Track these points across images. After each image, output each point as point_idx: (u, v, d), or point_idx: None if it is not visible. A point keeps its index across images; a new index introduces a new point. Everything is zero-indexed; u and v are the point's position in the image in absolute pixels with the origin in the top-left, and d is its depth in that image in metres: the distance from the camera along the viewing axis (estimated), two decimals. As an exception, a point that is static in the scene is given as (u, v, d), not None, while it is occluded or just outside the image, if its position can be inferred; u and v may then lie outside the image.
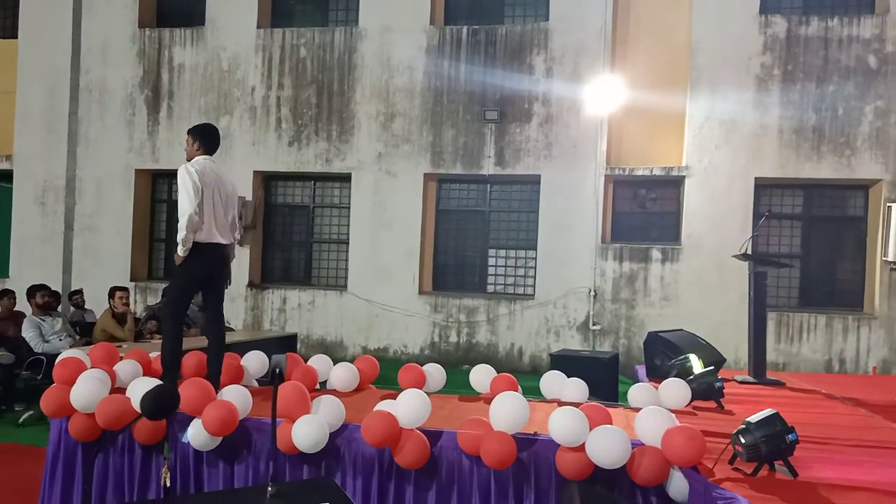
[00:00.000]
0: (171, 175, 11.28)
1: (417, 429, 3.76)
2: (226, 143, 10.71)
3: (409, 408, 3.77)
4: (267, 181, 11.04)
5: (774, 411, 3.42)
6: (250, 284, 10.74)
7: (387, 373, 5.68)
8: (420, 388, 4.39)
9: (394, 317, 10.22)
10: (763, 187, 9.41)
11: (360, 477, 3.81)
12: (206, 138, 4.85)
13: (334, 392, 4.74)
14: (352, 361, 5.26)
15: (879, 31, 9.01)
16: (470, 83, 10.11)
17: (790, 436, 3.32)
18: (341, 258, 10.80)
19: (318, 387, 5.01)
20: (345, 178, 10.65)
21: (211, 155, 4.84)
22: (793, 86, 9.19)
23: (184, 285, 4.61)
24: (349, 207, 10.60)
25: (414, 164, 10.24)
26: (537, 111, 9.89)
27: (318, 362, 5.13)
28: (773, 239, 9.54)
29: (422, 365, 5.20)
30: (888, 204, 8.84)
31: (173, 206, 11.33)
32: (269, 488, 1.94)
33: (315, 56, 10.59)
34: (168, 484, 3.96)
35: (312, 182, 10.97)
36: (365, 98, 10.41)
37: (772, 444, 3.27)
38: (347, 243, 10.60)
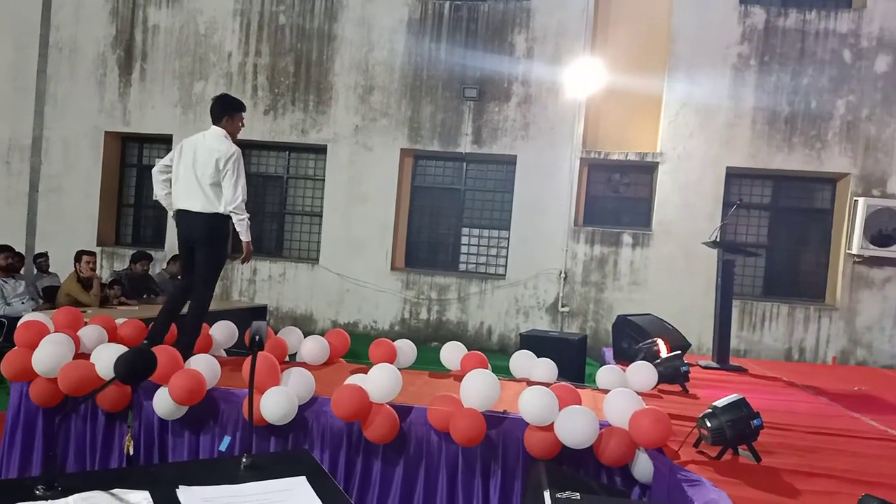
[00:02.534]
0: (143, 139, 11.11)
1: (387, 404, 3.77)
2: (200, 109, 10.54)
3: (379, 382, 3.77)
4: (241, 150, 10.83)
5: (741, 396, 3.47)
6: (220, 254, 10.60)
7: (356, 347, 5.68)
8: (391, 364, 4.39)
9: (365, 292, 10.19)
10: (734, 176, 9.52)
11: (327, 450, 3.81)
12: None
13: (304, 365, 4.72)
14: (322, 335, 5.24)
15: (855, 26, 9.11)
16: (450, 60, 10.02)
17: (755, 421, 3.38)
18: (314, 231, 10.71)
19: (287, 359, 4.99)
20: (320, 150, 10.53)
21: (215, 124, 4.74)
22: (768, 77, 9.27)
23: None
24: (324, 180, 10.49)
25: (391, 138, 10.16)
26: (516, 91, 9.85)
27: (289, 334, 5.11)
28: (741, 228, 9.67)
29: (392, 340, 5.21)
30: (854, 198, 9.00)
31: (144, 170, 11.14)
32: (244, 460, 1.91)
33: (294, 24, 10.41)
34: (131, 452, 3.92)
35: (287, 152, 10.83)
36: (344, 69, 10.27)
37: (737, 429, 3.32)
38: (321, 216, 10.51)
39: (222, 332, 5.02)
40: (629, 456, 3.59)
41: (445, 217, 10.51)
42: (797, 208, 9.70)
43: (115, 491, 1.64)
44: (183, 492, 1.69)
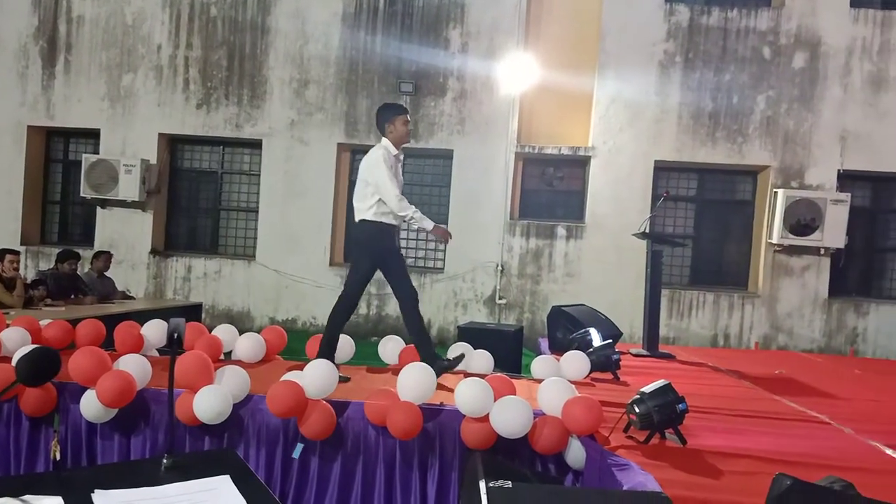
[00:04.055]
0: (69, 133, 10.73)
1: (324, 399, 3.78)
2: (129, 103, 10.25)
3: (315, 378, 3.77)
4: (173, 144, 10.62)
5: (667, 382, 3.60)
6: (153, 251, 10.36)
7: (295, 344, 5.65)
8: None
9: (303, 288, 10.11)
10: (661, 170, 9.81)
11: (263, 448, 3.79)
12: None
13: (239, 363, 4.68)
14: (259, 332, 5.19)
15: (774, 24, 9.49)
16: (386, 54, 10.01)
17: (680, 405, 3.50)
18: (250, 227, 10.56)
19: (222, 357, 4.93)
20: (255, 145, 10.38)
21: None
22: (692, 73, 9.58)
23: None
24: (259, 175, 10.35)
25: (327, 133, 10.09)
26: (452, 86, 9.92)
27: (223, 332, 5.05)
28: (668, 220, 9.98)
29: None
30: (774, 189, 9.39)
31: (70, 166, 10.77)
32: (165, 460, 1.88)
33: (226, 17, 10.21)
34: (58, 457, 3.82)
35: (221, 147, 10.63)
36: (278, 63, 10.14)
37: (663, 414, 3.44)
38: (257, 212, 10.37)
39: (154, 331, 4.93)
40: (562, 443, 3.68)
41: (384, 212, 10.47)
42: (721, 200, 10.07)
43: (27, 497, 1.58)
44: (99, 496, 1.64)
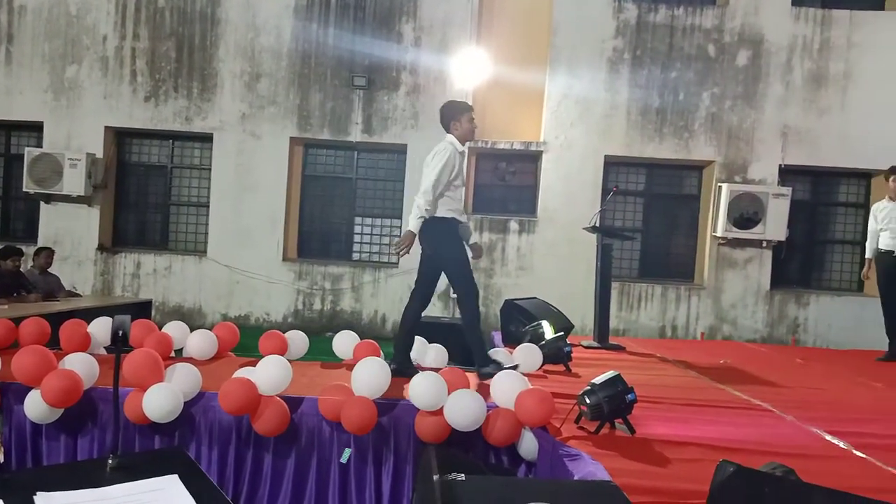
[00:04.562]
0: (11, 126, 10.39)
1: (277, 395, 3.76)
2: (73, 95, 9.99)
3: (268, 374, 3.76)
4: (120, 138, 10.37)
5: (616, 373, 3.67)
6: (100, 248, 10.12)
7: (248, 341, 5.59)
8: (282, 355, 4.37)
9: (256, 283, 10.00)
10: (611, 164, 9.96)
11: (216, 446, 3.77)
12: None
13: (191, 360, 4.63)
14: (210, 329, 5.14)
15: (719, 22, 9.72)
16: (338, 47, 9.94)
17: (629, 396, 3.59)
18: (201, 222, 10.39)
19: (173, 354, 4.87)
20: (206, 139, 10.20)
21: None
22: (640, 70, 9.75)
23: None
24: (210, 169, 10.18)
25: (280, 127, 9.98)
26: (405, 80, 9.91)
27: (174, 329, 4.97)
28: (618, 214, 10.14)
29: (284, 332, 5.17)
30: (719, 184, 9.62)
31: (12, 160, 10.46)
32: (110, 461, 1.85)
33: (174, 7, 10.00)
34: (1, 459, 3.73)
35: (171, 141, 10.43)
36: (229, 56, 9.98)
37: (613, 404, 3.52)
38: (208, 207, 10.20)
39: (101, 329, 4.83)
40: (515, 435, 3.74)
41: (338, 206, 10.45)
42: (668, 194, 10.28)
43: (-38, 502, 1.55)
44: (41, 498, 1.60)
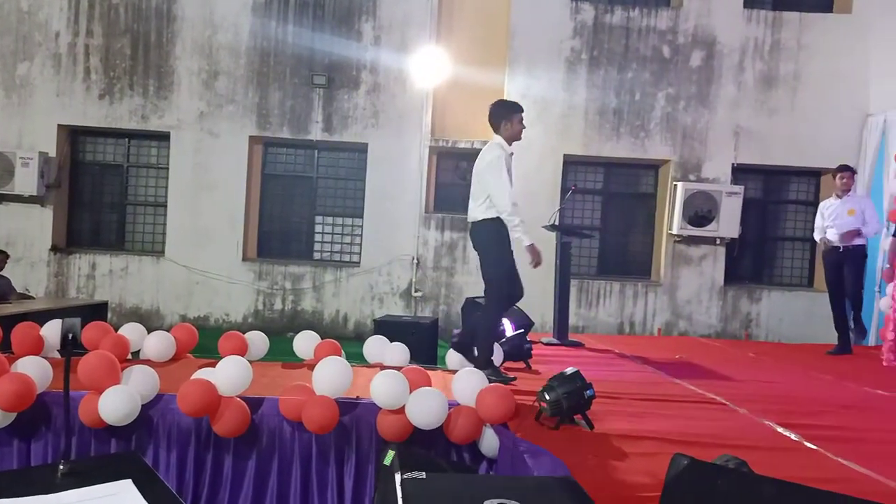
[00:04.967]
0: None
1: (237, 396, 3.74)
2: (25, 93, 9.76)
3: (228, 375, 3.73)
4: (73, 136, 10.14)
5: (575, 370, 3.74)
6: (54, 248, 9.89)
7: (207, 342, 5.53)
8: (242, 356, 4.34)
9: (216, 284, 9.88)
10: (570, 164, 10.07)
11: (175, 449, 3.72)
12: None
13: (148, 362, 4.56)
14: (169, 330, 5.07)
15: (673, 24, 9.89)
16: (298, 46, 9.86)
17: (588, 392, 3.66)
18: (159, 222, 10.21)
19: (129, 357, 4.80)
20: (163, 137, 10.03)
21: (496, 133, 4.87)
22: (598, 70, 9.88)
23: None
24: (167, 168, 10.02)
25: (239, 125, 9.87)
26: (365, 79, 9.88)
27: (130, 331, 4.90)
28: (577, 212, 10.27)
29: (245, 333, 5.14)
30: (674, 182, 9.79)
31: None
32: (61, 466, 1.82)
33: (129, 3, 9.81)
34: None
35: (126, 140, 10.23)
36: (186, 53, 9.83)
37: (572, 400, 3.59)
38: (165, 206, 10.04)
39: (55, 331, 4.73)
40: (476, 433, 3.77)
41: (298, 205, 10.38)
42: (625, 193, 10.43)
43: None
44: None
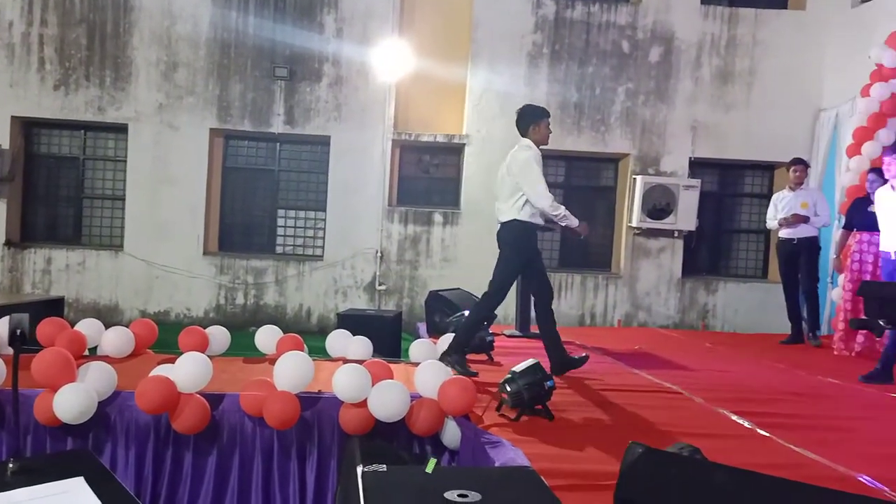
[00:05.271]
0: None
1: (197, 393, 3.71)
2: (-25, 84, 9.47)
3: (188, 371, 3.70)
4: (28, 128, 9.89)
5: (536, 361, 3.80)
6: (7, 243, 9.64)
7: (168, 337, 5.48)
8: (202, 352, 4.31)
9: (176, 278, 9.74)
10: (534, 157, 10.14)
11: (133, 446, 3.68)
12: None
13: (106, 358, 4.50)
14: (127, 326, 5.01)
15: (632, 19, 9.99)
16: (259, 37, 9.74)
17: (548, 383, 3.72)
18: (117, 216, 10.02)
19: (87, 353, 4.73)
20: (120, 129, 9.83)
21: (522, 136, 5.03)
22: (559, 65, 9.94)
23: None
24: (125, 161, 9.82)
25: (199, 117, 9.73)
26: (327, 71, 9.81)
27: (87, 327, 4.82)
28: (539, 205, 10.35)
29: (206, 328, 5.10)
30: (633, 176, 9.91)
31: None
32: (11, 464, 1.79)
33: (84, -7, 9.60)
34: None
35: (83, 132, 10.01)
36: (143, 44, 9.64)
37: (533, 391, 3.64)
38: (123, 200, 9.85)
39: (3, 328, 4.63)
40: (438, 425, 3.81)
41: (260, 199, 10.27)
42: (586, 186, 10.53)
43: None
44: None
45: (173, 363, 3.83)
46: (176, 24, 9.64)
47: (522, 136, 5.06)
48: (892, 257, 5.50)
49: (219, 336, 5.10)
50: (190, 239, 9.75)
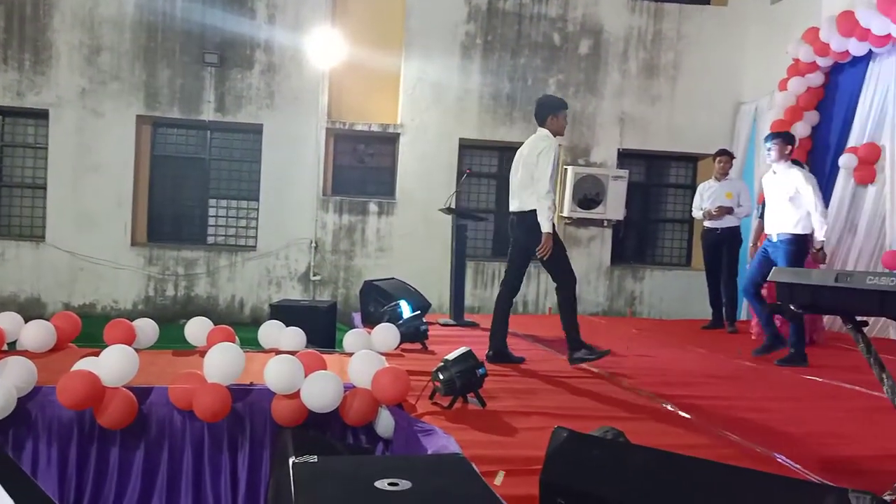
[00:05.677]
0: None
1: (123, 386, 3.64)
2: None
3: (113, 365, 3.61)
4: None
5: (468, 349, 3.86)
6: (-83, 235, 9.18)
7: (93, 330, 5.32)
8: (129, 345, 4.22)
9: (102, 270, 9.44)
10: (465, 147, 10.19)
11: (55, 443, 3.58)
12: None
13: (26, 353, 4.36)
14: (49, 319, 4.85)
15: (563, 11, 10.13)
16: (188, 21, 9.48)
17: (480, 370, 3.79)
18: (38, 205, 9.63)
19: (5, 348, 4.57)
20: (41, 115, 9.43)
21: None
22: (492, 55, 10.01)
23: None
24: (47, 148, 9.44)
25: (125, 104, 9.42)
26: (259, 58, 9.64)
27: (5, 320, 4.65)
28: (472, 195, 10.43)
29: (134, 320, 4.98)
30: (564, 166, 10.05)
31: None
32: None
33: (-1, -27, 9.15)
34: None
35: (1, 117, 9.57)
36: (65, 26, 9.26)
37: (465, 379, 3.71)
38: (45, 188, 9.47)
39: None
40: (372, 414, 3.83)
41: (191, 188, 10.04)
42: (519, 177, 10.69)
43: None
44: None
45: (97, 357, 3.74)
46: (99, 6, 9.30)
47: (540, 125, 5.12)
48: (774, 240, 5.70)
49: (146, 329, 4.99)
50: (116, 229, 9.47)
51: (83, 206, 9.38)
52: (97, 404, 3.51)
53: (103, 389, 3.53)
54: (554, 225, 4.96)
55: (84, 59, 9.33)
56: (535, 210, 4.92)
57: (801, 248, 5.62)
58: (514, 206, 5.18)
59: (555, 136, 5.07)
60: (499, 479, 3.03)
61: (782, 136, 5.80)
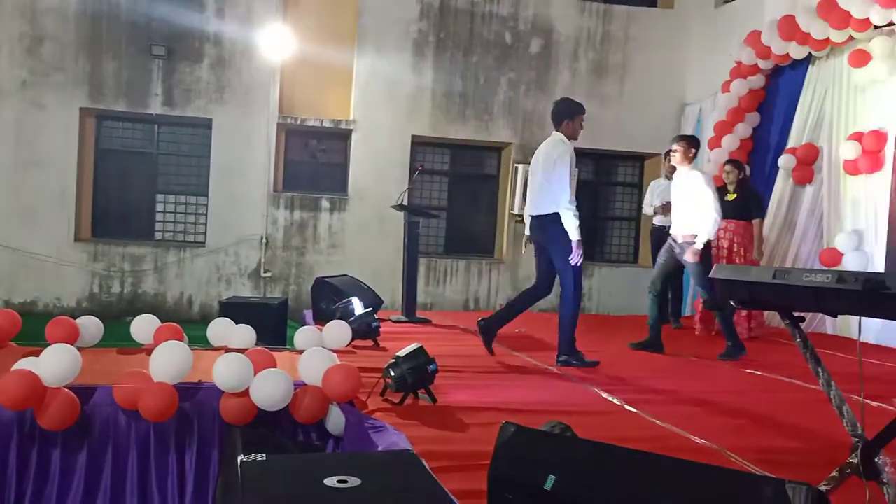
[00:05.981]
0: None
1: (65, 386, 3.56)
2: None
3: (54, 364, 3.52)
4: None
5: (419, 345, 3.88)
6: None
7: (35, 329, 5.17)
8: (71, 343, 4.12)
9: (44, 266, 9.18)
10: (418, 144, 10.22)
11: (-6, 445, 3.49)
12: None
13: (-37, 354, 4.22)
14: (-11, 318, 4.71)
15: (514, 10, 10.23)
16: (134, 12, 9.27)
17: (431, 366, 3.80)
18: (-25, 201, 9.33)
19: (-58, 349, 4.41)
20: (-22, 108, 9.14)
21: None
22: (444, 53, 10.06)
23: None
24: (-17, 142, 9.14)
25: (68, 96, 9.17)
26: (209, 52, 9.48)
27: (-59, 321, 4.50)
28: (425, 192, 10.46)
29: (77, 318, 4.87)
30: (515, 164, 10.21)
31: None
32: None
33: (-67, -41, 8.80)
34: None
35: (-66, 110, 9.24)
36: (5, 16, 8.96)
37: (416, 375, 3.72)
38: (-17, 183, 9.17)
39: None
40: (322, 412, 3.81)
41: (137, 183, 9.83)
42: (471, 174, 10.77)
43: None
44: None
45: (38, 356, 3.65)
46: (41, -5, 9.03)
47: (556, 128, 5.13)
48: (679, 241, 5.80)
49: (90, 326, 4.88)
50: (59, 225, 9.22)
51: (24, 202, 9.12)
52: (38, 405, 3.42)
53: (44, 389, 3.44)
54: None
55: (25, 49, 9.06)
56: (551, 213, 4.99)
57: (706, 250, 5.68)
58: (529, 209, 5.23)
59: (570, 140, 5.12)
60: (548, 484, 3.10)
61: (687, 140, 5.83)
